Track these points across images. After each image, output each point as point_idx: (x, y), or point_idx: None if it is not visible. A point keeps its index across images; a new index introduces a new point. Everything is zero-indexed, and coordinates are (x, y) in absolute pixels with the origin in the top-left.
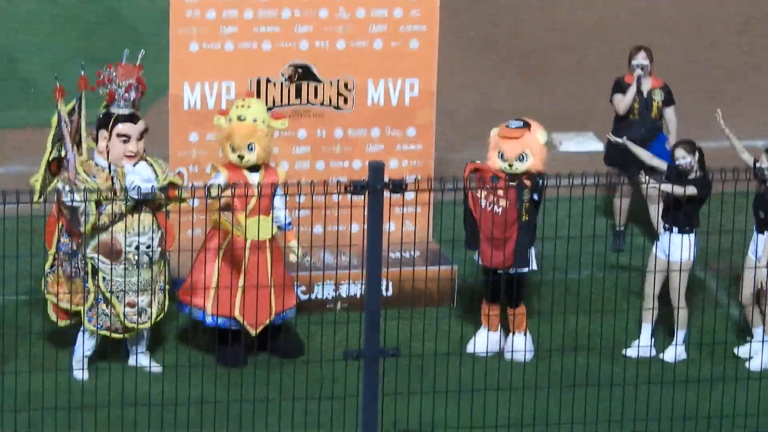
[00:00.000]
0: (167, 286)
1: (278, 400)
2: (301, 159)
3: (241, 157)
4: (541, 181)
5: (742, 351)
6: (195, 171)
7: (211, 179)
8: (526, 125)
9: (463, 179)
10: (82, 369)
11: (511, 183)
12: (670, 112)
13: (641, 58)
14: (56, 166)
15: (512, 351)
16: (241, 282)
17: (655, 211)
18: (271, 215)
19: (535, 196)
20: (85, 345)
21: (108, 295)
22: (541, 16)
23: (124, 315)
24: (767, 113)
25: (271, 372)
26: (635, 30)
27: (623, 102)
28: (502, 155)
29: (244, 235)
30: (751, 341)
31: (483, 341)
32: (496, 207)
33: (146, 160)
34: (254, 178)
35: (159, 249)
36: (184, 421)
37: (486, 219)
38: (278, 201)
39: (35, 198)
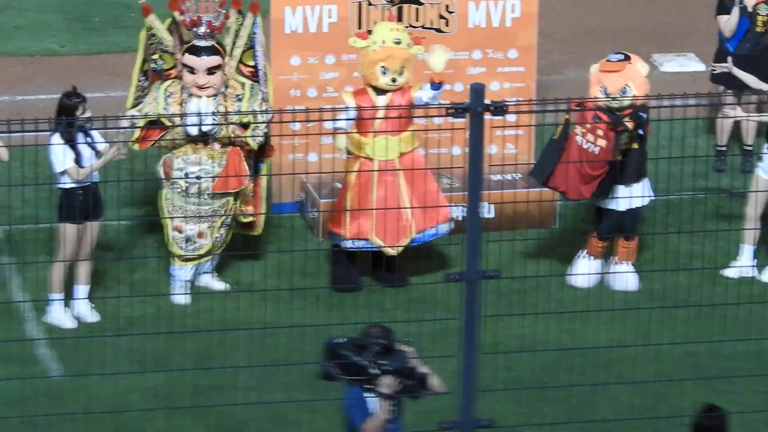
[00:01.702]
0: (234, 221)
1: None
2: (412, 81)
3: (393, 80)
4: (644, 116)
5: None
6: (297, 95)
7: (341, 114)
8: (627, 58)
9: (565, 118)
10: (185, 293)
11: (613, 124)
12: None
13: None
14: (158, 77)
15: (616, 283)
16: (374, 203)
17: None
18: (398, 135)
19: (641, 131)
20: (179, 272)
21: (166, 213)
22: None
23: (173, 239)
24: None
25: (372, 295)
26: None
27: (729, 24)
28: (605, 90)
29: (370, 156)
30: None
31: (584, 270)
32: (593, 146)
33: (242, 85)
34: (382, 100)
35: (209, 183)
36: (285, 344)
37: (583, 156)
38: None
39: (128, 103)
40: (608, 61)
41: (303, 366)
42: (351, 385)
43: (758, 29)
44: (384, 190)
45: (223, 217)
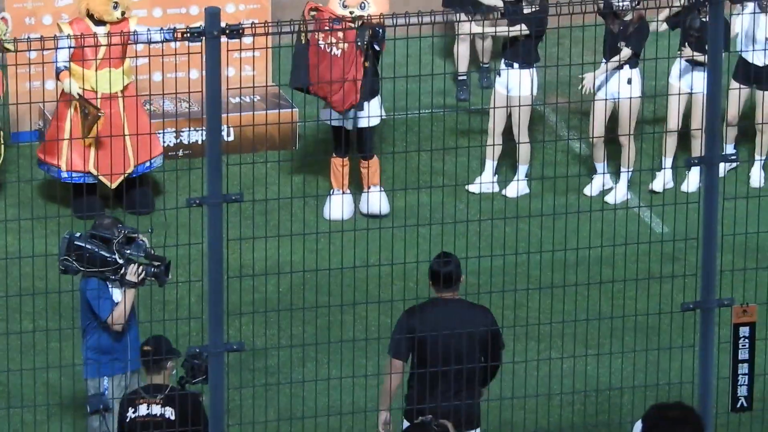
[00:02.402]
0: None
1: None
2: (138, 6)
3: (123, 13)
4: (380, 31)
5: (588, 189)
6: (31, 23)
7: (59, 44)
8: None
9: (302, 17)
10: None
11: (351, 25)
12: None
13: None
14: None
15: (368, 208)
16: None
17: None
18: (121, 67)
19: (376, 46)
20: None
21: None
22: None
23: None
24: None
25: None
26: None
27: None
28: (343, 3)
29: (94, 88)
30: (593, 177)
31: (338, 206)
32: (335, 49)
33: None
34: (100, 30)
35: None
36: (29, 273)
37: (324, 61)
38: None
39: None
40: None
41: (49, 294)
42: (91, 277)
43: None
44: (107, 123)
45: None
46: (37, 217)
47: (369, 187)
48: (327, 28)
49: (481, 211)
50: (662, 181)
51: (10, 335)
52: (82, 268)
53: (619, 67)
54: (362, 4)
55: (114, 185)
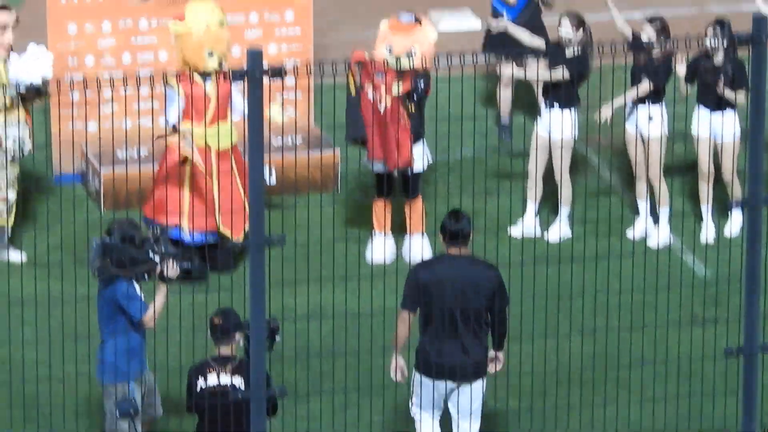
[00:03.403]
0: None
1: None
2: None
3: (221, 63)
4: (423, 80)
5: (631, 232)
6: (74, 64)
7: (170, 102)
8: (418, 21)
9: (348, 66)
10: None
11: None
12: None
13: None
14: None
15: (411, 255)
16: (216, 192)
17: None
18: (229, 121)
19: (418, 92)
20: None
21: None
22: None
23: None
24: None
25: None
26: None
27: None
28: (390, 49)
29: (208, 145)
30: (636, 219)
31: (380, 249)
32: (380, 103)
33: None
34: (209, 85)
35: (29, 142)
36: (71, 316)
37: (374, 113)
38: (236, 95)
39: None
40: (398, 20)
41: (92, 338)
42: (122, 278)
43: None
44: (226, 180)
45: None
46: (79, 260)
47: (412, 233)
48: (374, 78)
49: (523, 254)
50: (706, 231)
51: (52, 380)
52: (118, 270)
53: (642, 102)
54: (409, 53)
55: (241, 239)
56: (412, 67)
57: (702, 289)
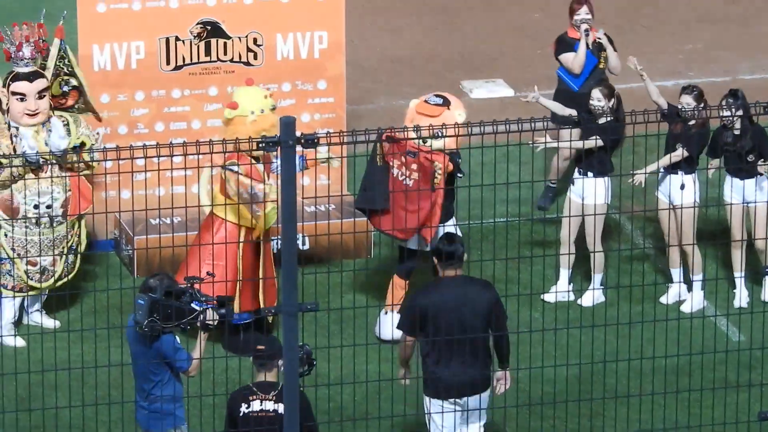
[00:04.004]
0: (80, 247)
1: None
2: (213, 117)
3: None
4: (459, 159)
5: (664, 298)
6: (107, 132)
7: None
8: (446, 102)
9: (377, 145)
10: (14, 335)
11: (425, 159)
12: (613, 58)
13: (584, 13)
14: None
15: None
16: (261, 272)
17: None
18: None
19: (457, 168)
20: (6, 311)
21: (10, 252)
22: None
23: (27, 274)
24: (680, 40)
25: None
26: None
27: (577, 60)
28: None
29: (264, 225)
30: (669, 286)
31: (388, 326)
32: (408, 179)
33: (61, 117)
34: (260, 167)
35: (61, 210)
36: (105, 382)
37: (398, 188)
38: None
39: None
40: (426, 102)
41: (124, 404)
42: (170, 332)
43: (601, 66)
44: (269, 258)
45: (71, 242)
46: (112, 326)
47: None
48: (403, 155)
49: (557, 320)
50: (739, 296)
51: None
52: (168, 325)
53: (674, 170)
54: (436, 134)
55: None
56: (428, 146)
57: (736, 353)
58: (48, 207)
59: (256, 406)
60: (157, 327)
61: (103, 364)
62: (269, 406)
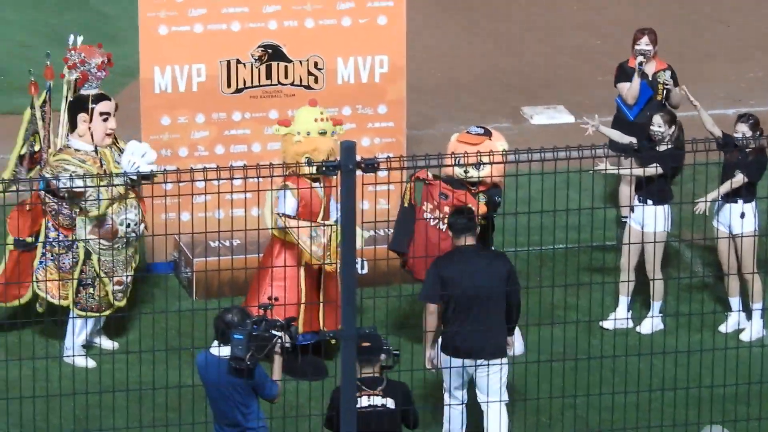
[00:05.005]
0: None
1: None
2: (273, 140)
3: (310, 165)
4: (498, 199)
5: (723, 327)
6: (168, 155)
7: (282, 204)
8: (487, 133)
9: (408, 182)
10: (86, 356)
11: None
12: (675, 94)
13: (644, 44)
14: (30, 161)
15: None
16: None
17: (626, 186)
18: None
19: (494, 204)
20: (79, 333)
21: (102, 275)
22: None
23: (113, 294)
24: (736, 69)
25: None
26: None
27: (631, 91)
28: (458, 160)
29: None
30: (728, 315)
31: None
32: (441, 224)
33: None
34: (318, 186)
35: (142, 225)
36: (162, 404)
37: (431, 233)
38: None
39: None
40: (467, 132)
41: (182, 426)
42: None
43: (658, 97)
44: (332, 279)
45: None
46: (171, 348)
47: None
48: (436, 198)
49: (615, 347)
50: None
51: None
52: (263, 354)
53: (733, 199)
54: (477, 164)
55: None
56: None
57: None
58: (135, 224)
59: (364, 401)
60: (255, 360)
61: (161, 386)
62: (378, 401)
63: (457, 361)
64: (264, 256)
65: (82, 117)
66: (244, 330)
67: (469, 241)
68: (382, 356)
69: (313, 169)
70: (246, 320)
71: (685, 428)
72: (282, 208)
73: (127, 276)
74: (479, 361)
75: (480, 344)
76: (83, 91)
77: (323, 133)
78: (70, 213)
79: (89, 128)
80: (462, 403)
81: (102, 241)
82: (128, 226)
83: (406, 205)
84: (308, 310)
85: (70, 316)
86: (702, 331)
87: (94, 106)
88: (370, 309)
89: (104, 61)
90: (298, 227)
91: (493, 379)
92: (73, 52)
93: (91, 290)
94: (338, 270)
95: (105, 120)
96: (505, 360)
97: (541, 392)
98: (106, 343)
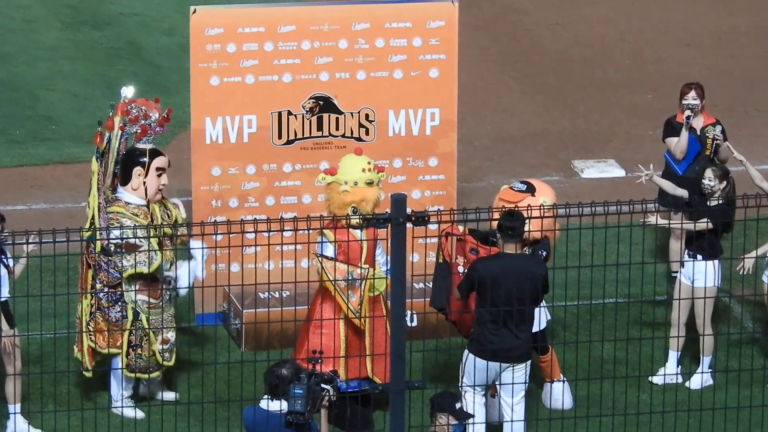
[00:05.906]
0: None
1: None
2: (324, 192)
3: (364, 219)
4: (544, 253)
5: None
6: (218, 205)
7: (322, 250)
8: (530, 189)
9: (439, 240)
10: (134, 407)
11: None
12: (723, 149)
13: (691, 98)
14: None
15: (551, 398)
16: (368, 340)
17: (676, 241)
18: (378, 267)
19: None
20: (126, 387)
21: (152, 334)
22: (562, 32)
23: (161, 354)
24: None
25: None
26: (657, 44)
27: (679, 146)
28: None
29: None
30: None
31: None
32: None
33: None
34: (359, 233)
35: (183, 280)
36: None
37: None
38: (379, 250)
39: (97, 248)
40: (511, 188)
41: None
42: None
43: (707, 152)
44: (380, 326)
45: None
46: (220, 401)
47: (552, 380)
48: (467, 253)
49: (665, 403)
50: None
51: None
52: (314, 409)
53: None
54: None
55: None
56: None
57: None
58: (170, 282)
59: None
60: (313, 413)
61: None
62: None
63: (487, 363)
64: (310, 308)
65: (137, 171)
66: (302, 385)
67: (516, 247)
68: (442, 416)
69: (357, 220)
70: (300, 375)
71: None
72: (320, 250)
73: (172, 335)
74: (507, 365)
75: (512, 347)
76: (139, 145)
77: (370, 183)
78: (115, 272)
79: (144, 182)
80: (480, 394)
81: (150, 299)
82: (169, 283)
83: (440, 261)
84: (353, 357)
85: (113, 367)
86: (752, 386)
87: (150, 160)
88: (419, 362)
89: (165, 116)
90: (335, 268)
91: (518, 380)
92: (134, 104)
93: (139, 351)
94: (387, 322)
95: (159, 175)
96: (529, 362)
97: None
98: (168, 395)
